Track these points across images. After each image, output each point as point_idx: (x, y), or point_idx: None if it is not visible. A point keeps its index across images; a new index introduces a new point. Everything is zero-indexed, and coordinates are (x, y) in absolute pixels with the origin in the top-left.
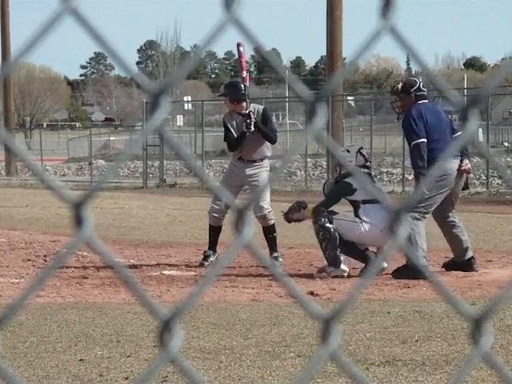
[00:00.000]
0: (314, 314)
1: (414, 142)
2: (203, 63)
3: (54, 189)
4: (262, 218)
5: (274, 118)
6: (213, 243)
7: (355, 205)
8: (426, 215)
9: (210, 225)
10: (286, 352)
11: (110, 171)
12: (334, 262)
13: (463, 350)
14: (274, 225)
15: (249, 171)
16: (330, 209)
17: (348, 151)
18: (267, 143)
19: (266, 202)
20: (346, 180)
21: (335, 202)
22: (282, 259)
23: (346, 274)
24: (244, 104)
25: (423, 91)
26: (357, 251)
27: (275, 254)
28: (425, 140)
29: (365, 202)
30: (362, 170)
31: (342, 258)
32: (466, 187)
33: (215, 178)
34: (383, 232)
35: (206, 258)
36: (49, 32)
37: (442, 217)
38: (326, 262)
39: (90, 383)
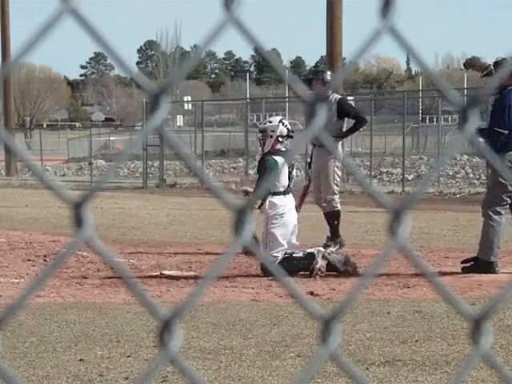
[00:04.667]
0: (313, 314)
1: (493, 129)
2: (203, 63)
3: (54, 189)
4: (326, 203)
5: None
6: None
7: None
8: (507, 205)
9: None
10: (286, 352)
11: (109, 171)
12: (310, 262)
13: (463, 350)
14: (333, 212)
15: (316, 157)
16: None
17: (270, 122)
18: (332, 130)
19: (331, 190)
20: (273, 157)
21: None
22: None
23: (322, 262)
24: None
25: None
26: (299, 264)
27: (328, 243)
28: (505, 132)
29: (275, 193)
30: (286, 140)
31: (309, 250)
32: None
33: (215, 178)
34: (288, 214)
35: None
36: (49, 32)
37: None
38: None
39: (89, 383)
